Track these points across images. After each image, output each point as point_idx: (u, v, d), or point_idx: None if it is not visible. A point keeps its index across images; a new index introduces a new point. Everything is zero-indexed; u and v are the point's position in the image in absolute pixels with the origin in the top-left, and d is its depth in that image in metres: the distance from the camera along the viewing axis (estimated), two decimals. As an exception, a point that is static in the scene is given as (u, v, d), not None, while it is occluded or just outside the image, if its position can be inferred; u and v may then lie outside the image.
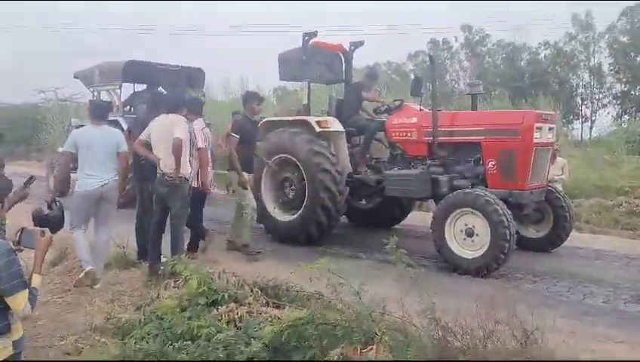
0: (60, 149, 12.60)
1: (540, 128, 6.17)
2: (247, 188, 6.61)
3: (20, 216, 4.35)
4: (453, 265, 5.89)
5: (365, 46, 8.36)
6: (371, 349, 2.74)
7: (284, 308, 4.18)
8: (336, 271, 3.45)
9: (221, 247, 7.14)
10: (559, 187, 8.92)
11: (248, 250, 6.68)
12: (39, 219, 4.25)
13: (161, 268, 5.39)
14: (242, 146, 6.58)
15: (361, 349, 2.79)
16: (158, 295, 4.42)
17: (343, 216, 8.52)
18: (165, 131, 5.47)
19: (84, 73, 12.18)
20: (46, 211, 4.61)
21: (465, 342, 3.24)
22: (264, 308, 4.14)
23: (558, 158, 9.25)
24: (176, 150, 5.32)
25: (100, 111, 5.73)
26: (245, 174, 6.56)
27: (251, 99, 6.90)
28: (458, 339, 3.27)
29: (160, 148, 5.52)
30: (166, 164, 5.45)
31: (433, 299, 3.42)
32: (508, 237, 5.54)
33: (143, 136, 5.65)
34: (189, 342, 3.30)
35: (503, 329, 3.21)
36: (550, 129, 6.44)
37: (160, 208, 5.62)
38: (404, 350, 2.86)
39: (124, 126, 9.79)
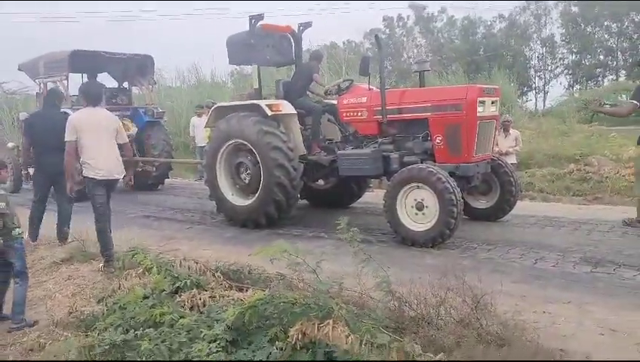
0: (10, 144, 12.47)
1: (483, 102, 6.31)
2: None
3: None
4: (408, 239, 6.03)
5: (324, 25, 8.32)
6: (328, 323, 2.84)
7: (246, 290, 4.23)
8: (297, 251, 3.52)
9: (183, 235, 7.18)
10: (514, 159, 9.24)
11: None
12: None
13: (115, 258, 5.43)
14: None
15: (318, 324, 2.89)
16: (120, 286, 4.42)
17: (303, 199, 8.63)
18: (102, 130, 5.51)
19: (28, 65, 11.79)
20: None
21: (419, 310, 3.39)
22: (227, 292, 4.18)
23: (512, 130, 9.52)
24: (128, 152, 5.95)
25: None
26: None
27: None
28: (413, 308, 3.43)
29: (101, 147, 5.49)
30: (102, 169, 5.51)
31: (388, 272, 3.56)
32: (455, 205, 5.72)
33: (72, 138, 5.46)
34: (151, 329, 3.33)
35: (455, 296, 3.37)
36: (493, 102, 6.59)
37: (105, 199, 5.71)
38: (359, 321, 2.98)
39: None
